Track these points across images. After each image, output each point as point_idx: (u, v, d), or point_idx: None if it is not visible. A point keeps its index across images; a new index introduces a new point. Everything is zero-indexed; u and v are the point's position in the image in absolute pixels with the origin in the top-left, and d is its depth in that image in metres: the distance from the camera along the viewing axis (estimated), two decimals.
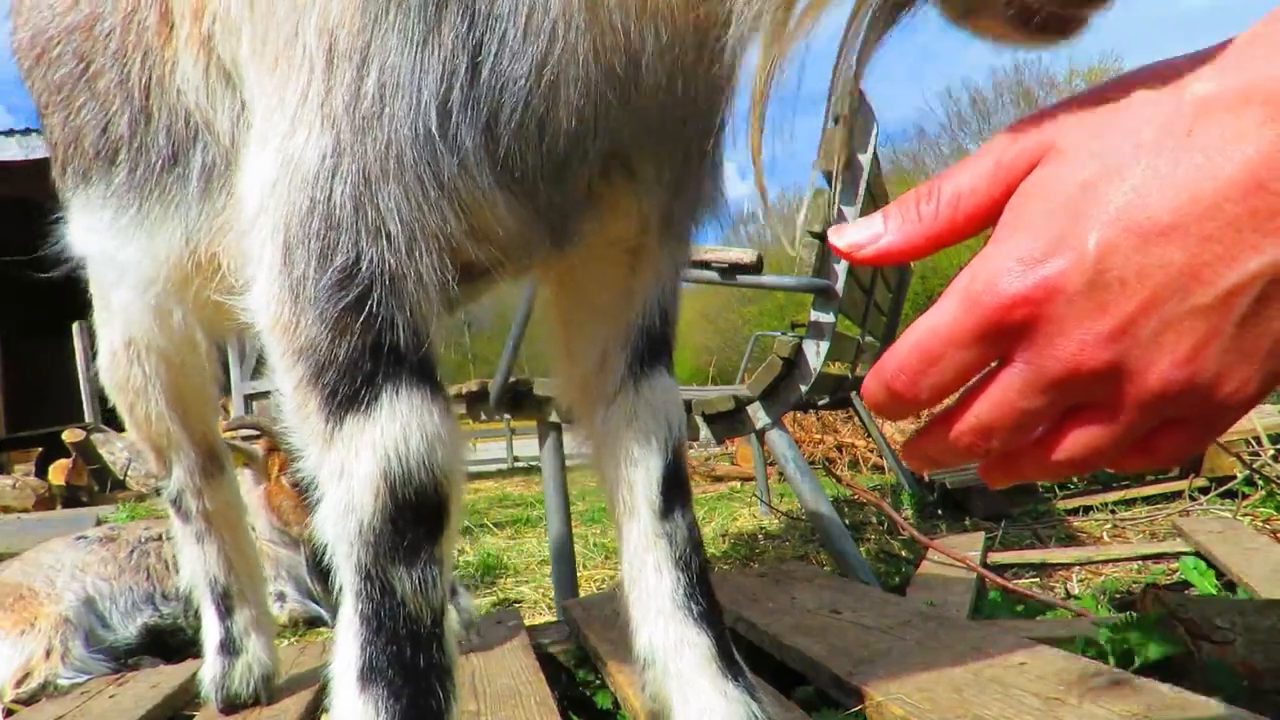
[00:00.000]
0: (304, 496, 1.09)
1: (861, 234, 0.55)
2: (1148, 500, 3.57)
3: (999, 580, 2.20)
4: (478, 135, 0.88)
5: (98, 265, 1.51)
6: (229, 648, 1.64)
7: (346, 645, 0.89)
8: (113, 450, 7.22)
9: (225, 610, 1.66)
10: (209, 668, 1.64)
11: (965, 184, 0.52)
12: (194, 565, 1.68)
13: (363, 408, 0.87)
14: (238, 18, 0.98)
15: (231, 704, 1.61)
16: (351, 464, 0.87)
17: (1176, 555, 2.54)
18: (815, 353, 2.22)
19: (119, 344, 1.60)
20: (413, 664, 0.87)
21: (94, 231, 1.40)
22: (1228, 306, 0.45)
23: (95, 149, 1.32)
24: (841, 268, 2.25)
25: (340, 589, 0.90)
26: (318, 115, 0.88)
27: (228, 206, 1.14)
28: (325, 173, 0.87)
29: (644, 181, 1.02)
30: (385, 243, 0.87)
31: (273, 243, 0.91)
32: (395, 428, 0.87)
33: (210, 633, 1.67)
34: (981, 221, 0.53)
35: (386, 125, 0.86)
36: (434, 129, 0.86)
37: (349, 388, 0.87)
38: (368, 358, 0.87)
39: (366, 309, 0.87)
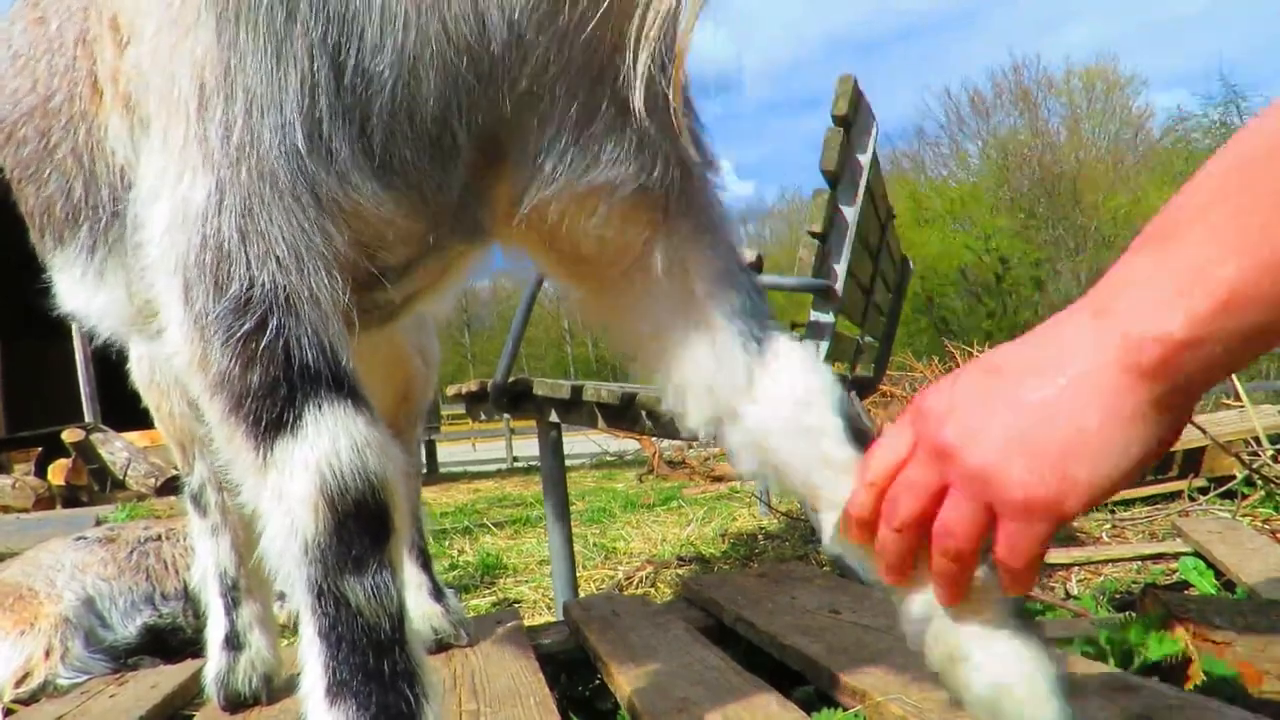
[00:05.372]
0: None
1: None
2: (1147, 500, 3.57)
3: None
4: (353, 140, 0.90)
5: (82, 315, 1.58)
6: (233, 642, 1.66)
7: (310, 663, 0.89)
8: (112, 450, 7.22)
9: (232, 603, 1.68)
10: (213, 663, 1.66)
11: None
12: (206, 559, 1.71)
13: (288, 429, 0.88)
14: (147, 70, 1.01)
15: (233, 701, 1.62)
16: (288, 486, 0.88)
17: (1176, 555, 2.54)
18: (815, 353, 2.21)
19: (144, 349, 1.66)
20: (376, 672, 0.87)
21: (71, 286, 1.50)
22: None
23: (63, 213, 1.41)
24: (841, 267, 2.25)
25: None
26: (198, 155, 0.91)
27: None
28: (211, 209, 0.90)
29: (518, 166, 1.00)
30: (275, 265, 0.89)
31: (174, 284, 0.93)
32: (324, 442, 0.88)
33: (215, 627, 1.68)
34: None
35: (258, 150, 0.88)
36: (301, 145, 0.89)
37: (271, 413, 0.89)
38: (282, 380, 0.89)
39: (268, 332, 0.89)
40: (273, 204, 0.89)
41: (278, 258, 0.89)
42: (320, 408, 0.89)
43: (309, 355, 0.89)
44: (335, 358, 0.92)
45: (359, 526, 0.88)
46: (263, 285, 0.89)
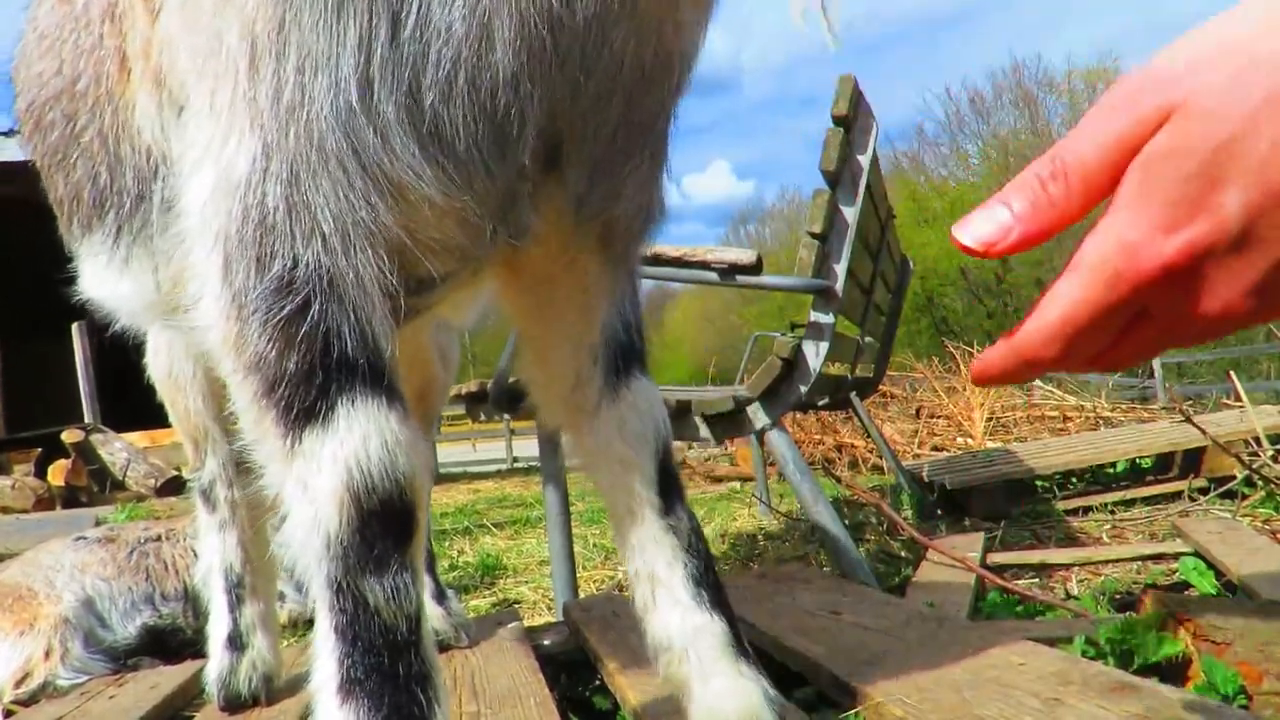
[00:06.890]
0: None
1: (989, 228, 0.53)
2: (1147, 501, 3.57)
3: (998, 580, 2.20)
4: (400, 99, 0.85)
5: (105, 303, 1.57)
6: (235, 642, 1.65)
7: (324, 659, 0.88)
8: (112, 451, 7.21)
9: (236, 600, 1.67)
10: (214, 663, 1.65)
11: (1090, 158, 0.51)
12: (212, 555, 1.70)
13: (319, 421, 0.86)
14: (177, 38, 0.98)
15: (233, 702, 1.61)
16: (314, 478, 0.86)
17: (1176, 556, 2.54)
18: (815, 353, 2.22)
19: (161, 343, 1.66)
20: (391, 673, 0.86)
21: (96, 274, 1.49)
22: None
23: (91, 199, 1.39)
24: (841, 268, 2.25)
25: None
26: (246, 117, 0.87)
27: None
28: (256, 175, 0.86)
29: (571, 179, 1.00)
30: (320, 244, 0.86)
31: (214, 256, 0.90)
32: (354, 439, 0.86)
33: (218, 626, 1.68)
34: (1105, 193, 0.52)
35: (308, 111, 0.84)
36: (354, 102, 0.84)
37: (303, 401, 0.86)
38: (318, 369, 0.86)
39: (310, 317, 0.86)
40: (319, 171, 0.84)
41: (323, 235, 0.85)
42: (353, 401, 0.87)
43: (348, 345, 0.87)
44: (376, 349, 0.89)
45: (383, 526, 0.87)
46: (307, 265, 0.86)
